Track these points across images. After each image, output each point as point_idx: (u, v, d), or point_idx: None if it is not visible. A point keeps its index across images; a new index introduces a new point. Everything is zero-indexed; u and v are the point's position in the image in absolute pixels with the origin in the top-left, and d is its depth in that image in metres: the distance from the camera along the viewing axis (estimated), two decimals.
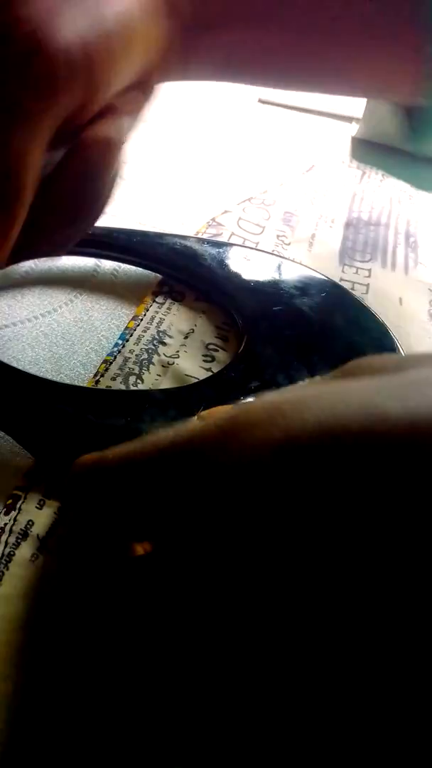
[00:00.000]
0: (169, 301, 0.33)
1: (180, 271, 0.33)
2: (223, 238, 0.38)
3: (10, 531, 0.22)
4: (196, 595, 0.13)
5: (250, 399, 0.26)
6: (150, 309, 0.32)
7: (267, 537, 0.12)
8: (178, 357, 0.29)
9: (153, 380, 0.28)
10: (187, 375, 0.28)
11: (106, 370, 0.28)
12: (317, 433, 0.12)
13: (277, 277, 0.33)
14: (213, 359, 0.30)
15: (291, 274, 0.34)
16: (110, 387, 0.27)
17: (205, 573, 0.13)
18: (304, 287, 0.33)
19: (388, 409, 0.12)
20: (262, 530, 0.12)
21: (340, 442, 0.12)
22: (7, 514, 0.22)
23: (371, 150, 0.50)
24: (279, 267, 0.34)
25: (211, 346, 0.30)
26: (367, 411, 0.12)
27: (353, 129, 0.52)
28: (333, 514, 0.12)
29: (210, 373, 0.28)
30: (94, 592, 0.15)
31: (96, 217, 0.25)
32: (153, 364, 0.29)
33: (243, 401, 0.26)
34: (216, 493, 0.13)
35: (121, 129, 0.24)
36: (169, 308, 0.32)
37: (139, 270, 0.34)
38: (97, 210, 0.25)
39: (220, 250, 0.34)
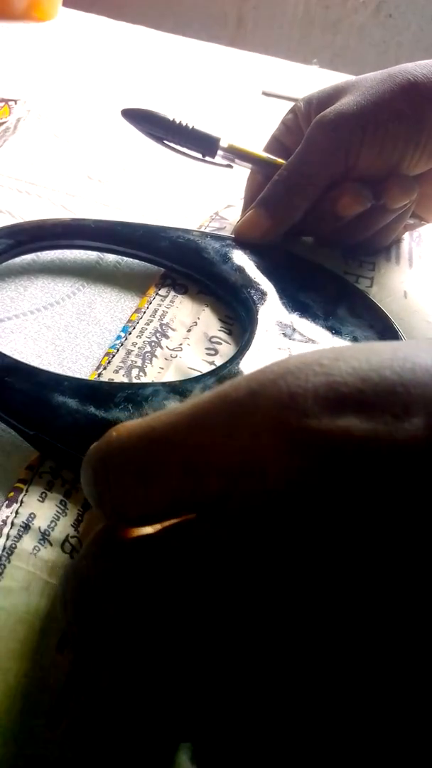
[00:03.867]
0: (172, 293, 0.33)
1: (183, 264, 0.33)
2: (226, 232, 0.37)
3: (12, 524, 0.21)
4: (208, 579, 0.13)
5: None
6: (153, 301, 0.32)
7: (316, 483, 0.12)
8: (181, 350, 0.29)
9: (156, 373, 0.28)
10: (190, 368, 0.28)
11: (109, 362, 0.28)
12: (353, 379, 0.12)
13: (281, 270, 0.33)
14: (216, 352, 0.29)
15: (296, 267, 0.34)
16: (113, 380, 0.27)
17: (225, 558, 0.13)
18: (309, 280, 0.33)
19: (421, 360, 0.12)
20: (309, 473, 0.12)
21: (377, 389, 0.12)
22: (9, 506, 0.22)
23: None
24: (283, 260, 0.34)
25: (215, 339, 0.30)
26: (399, 360, 0.12)
27: None
28: (375, 462, 0.12)
29: (213, 366, 0.28)
30: (98, 580, 0.15)
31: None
32: (156, 356, 0.29)
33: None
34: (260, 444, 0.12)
35: None
36: (172, 301, 0.32)
37: (143, 264, 0.34)
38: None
39: (224, 243, 0.34)
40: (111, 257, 0.35)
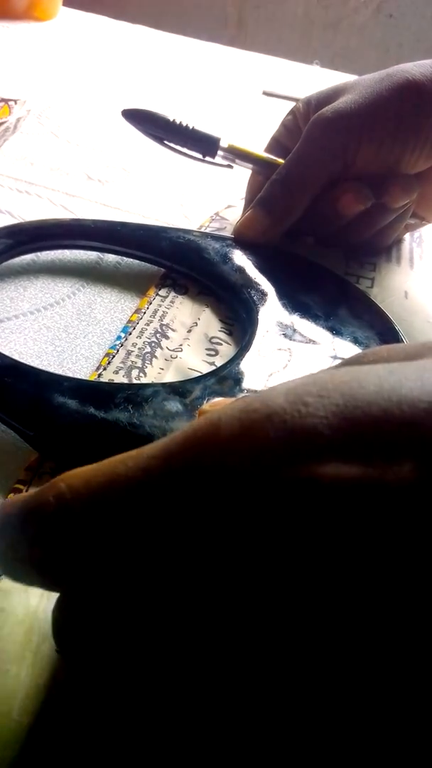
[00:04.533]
0: (172, 294, 0.33)
1: (183, 264, 0.33)
2: (226, 233, 0.37)
3: None
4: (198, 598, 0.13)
5: (252, 391, 0.26)
6: (153, 302, 0.32)
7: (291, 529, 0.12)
8: (182, 350, 0.29)
9: (156, 373, 0.28)
10: (190, 368, 0.28)
11: (109, 363, 0.28)
12: (338, 421, 0.12)
13: (281, 270, 0.33)
14: (216, 353, 0.29)
15: (296, 267, 0.34)
16: (113, 380, 0.27)
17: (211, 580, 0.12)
18: (310, 281, 0.33)
19: (407, 391, 0.12)
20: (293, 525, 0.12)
21: (361, 430, 0.12)
22: None
23: None
24: (284, 260, 0.34)
25: (215, 340, 0.30)
26: (385, 393, 0.12)
27: None
28: (359, 498, 0.11)
29: (213, 367, 0.28)
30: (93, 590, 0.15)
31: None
32: (156, 357, 0.29)
33: (247, 393, 0.25)
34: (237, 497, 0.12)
35: None
36: (172, 301, 0.32)
37: (143, 264, 0.34)
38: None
39: (224, 243, 0.34)
40: (111, 257, 0.35)
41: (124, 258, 0.35)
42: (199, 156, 0.36)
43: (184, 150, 0.36)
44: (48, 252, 0.34)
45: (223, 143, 0.36)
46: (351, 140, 0.32)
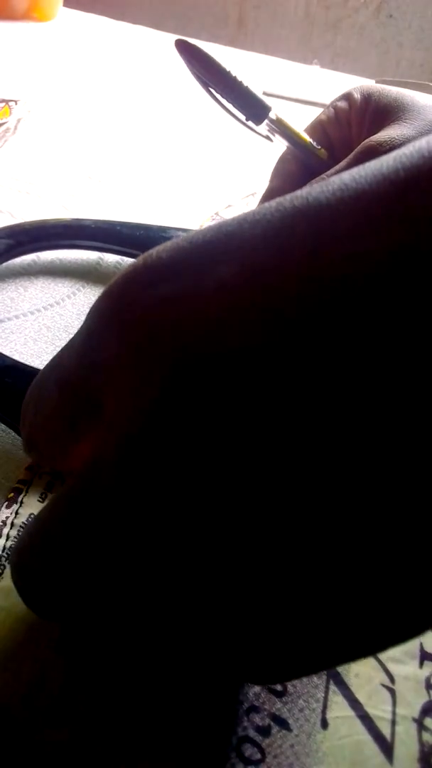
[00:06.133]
0: None
1: None
2: None
3: (12, 524, 0.22)
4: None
5: None
6: None
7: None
8: None
9: None
10: None
11: None
12: (167, 253, 0.13)
13: None
14: None
15: None
16: None
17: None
18: None
19: (237, 219, 0.13)
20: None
21: (187, 254, 0.13)
22: (9, 507, 0.22)
23: None
24: None
25: None
26: (214, 227, 0.13)
27: None
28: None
29: None
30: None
31: None
32: None
33: None
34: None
35: None
36: None
37: None
38: None
39: None
40: (111, 258, 0.35)
41: (125, 258, 0.35)
42: (242, 118, 0.33)
43: (228, 106, 0.33)
44: (48, 252, 0.34)
45: (272, 114, 0.33)
46: None
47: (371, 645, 0.12)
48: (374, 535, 0.11)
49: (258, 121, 0.33)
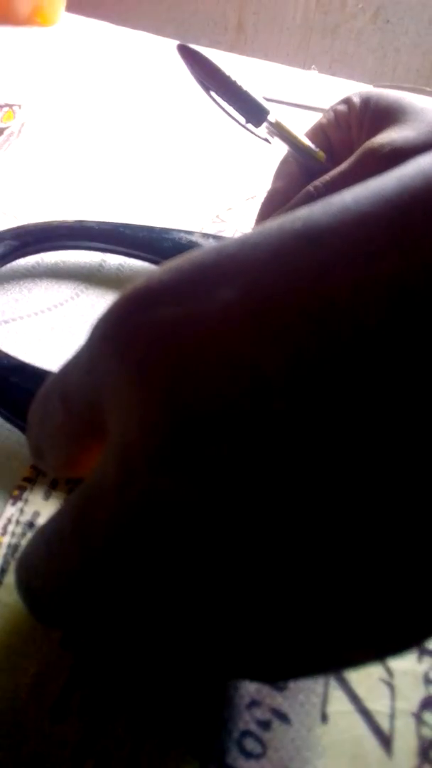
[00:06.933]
0: None
1: None
2: (227, 234, 0.38)
3: (17, 522, 0.22)
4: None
5: None
6: None
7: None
8: None
9: None
10: None
11: None
12: (168, 275, 0.13)
13: None
14: None
15: None
16: None
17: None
18: None
19: (234, 242, 0.13)
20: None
21: (187, 277, 0.13)
22: (13, 504, 0.22)
23: None
24: None
25: None
26: (213, 247, 0.13)
27: None
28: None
29: None
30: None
31: None
32: None
33: None
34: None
35: None
36: None
37: (145, 264, 0.35)
38: None
39: None
40: (114, 260, 0.35)
41: (127, 260, 0.35)
42: (242, 120, 0.34)
43: (228, 109, 0.34)
44: (52, 254, 0.34)
45: (271, 117, 0.34)
46: None
47: (374, 650, 0.13)
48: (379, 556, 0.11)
49: (257, 124, 0.34)
